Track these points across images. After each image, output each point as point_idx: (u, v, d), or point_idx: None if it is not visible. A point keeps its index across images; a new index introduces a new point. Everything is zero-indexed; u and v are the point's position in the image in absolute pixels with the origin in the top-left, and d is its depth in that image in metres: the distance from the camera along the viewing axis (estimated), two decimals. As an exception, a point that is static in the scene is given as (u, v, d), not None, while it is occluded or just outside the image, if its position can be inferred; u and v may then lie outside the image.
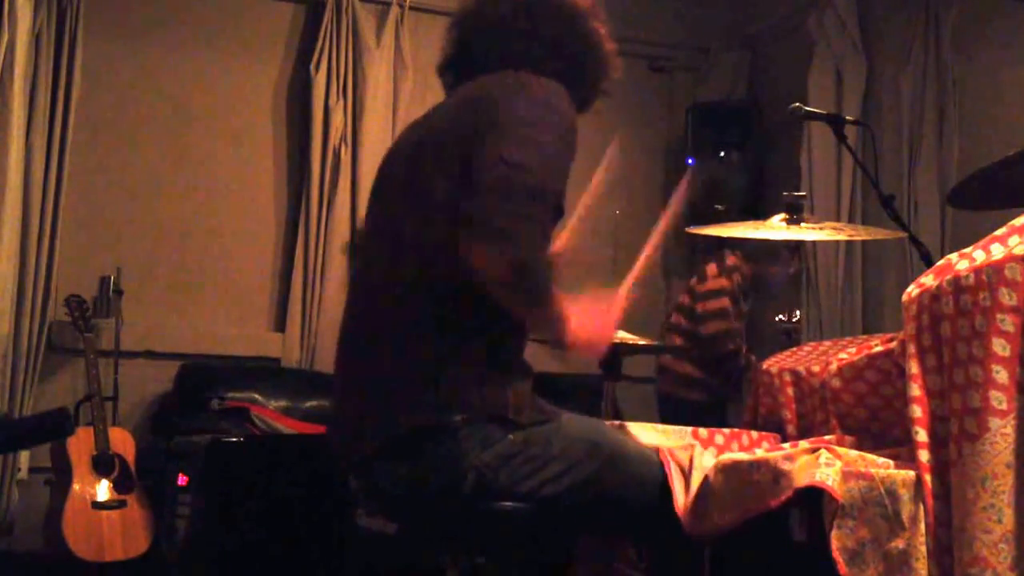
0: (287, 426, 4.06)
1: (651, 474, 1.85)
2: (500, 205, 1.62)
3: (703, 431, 2.05)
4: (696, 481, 1.81)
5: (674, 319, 4.23)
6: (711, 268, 4.15)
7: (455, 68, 2.02)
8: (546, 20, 1.94)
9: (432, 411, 1.72)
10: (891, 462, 1.62)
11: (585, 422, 1.91)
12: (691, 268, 5.44)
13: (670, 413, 4.08)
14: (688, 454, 1.88)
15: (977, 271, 1.53)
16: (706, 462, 1.84)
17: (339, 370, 1.94)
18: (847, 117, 2.89)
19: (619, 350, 2.59)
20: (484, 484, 1.73)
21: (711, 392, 4.11)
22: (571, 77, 1.90)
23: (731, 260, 4.14)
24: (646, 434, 1.98)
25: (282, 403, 4.42)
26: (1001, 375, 1.46)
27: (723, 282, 4.08)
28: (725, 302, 4.05)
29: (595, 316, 1.81)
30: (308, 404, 4.45)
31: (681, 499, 1.80)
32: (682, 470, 1.85)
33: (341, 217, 4.87)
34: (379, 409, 1.77)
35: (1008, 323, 1.47)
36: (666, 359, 4.21)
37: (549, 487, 1.77)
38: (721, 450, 2.02)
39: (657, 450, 1.90)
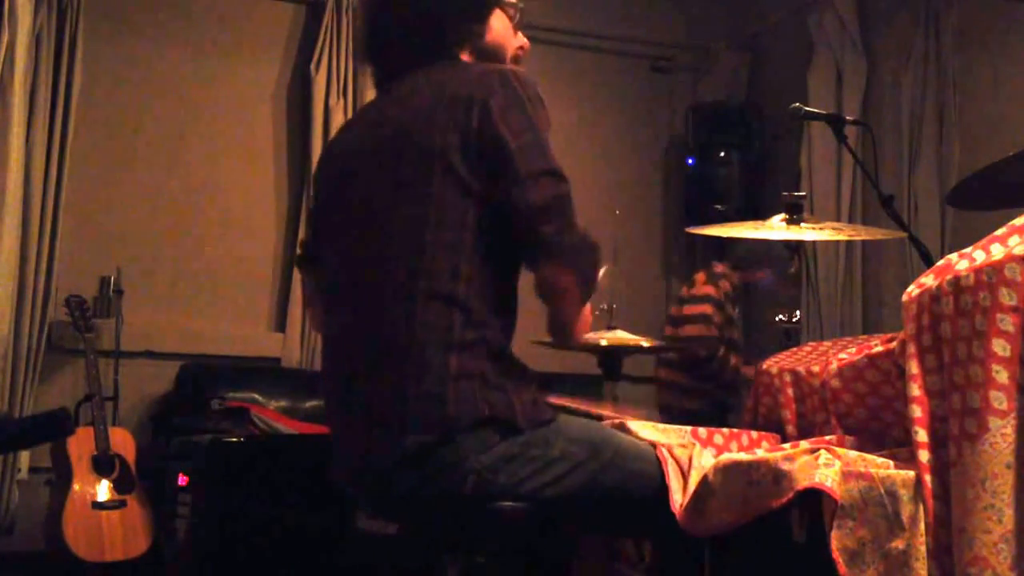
0: (287, 426, 4.06)
1: (652, 471, 1.85)
2: (559, 222, 1.72)
3: (702, 431, 2.05)
4: (694, 480, 1.81)
5: (667, 331, 4.26)
6: (699, 276, 4.24)
7: (385, 58, 1.96)
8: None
9: (441, 427, 1.71)
10: (891, 462, 1.62)
11: (584, 422, 1.91)
12: (692, 269, 5.45)
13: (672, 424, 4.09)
14: (688, 453, 1.88)
15: (977, 271, 1.52)
16: (705, 461, 1.83)
17: (335, 387, 1.88)
18: (847, 117, 2.89)
19: (618, 350, 2.59)
20: (485, 486, 1.73)
21: (710, 400, 4.13)
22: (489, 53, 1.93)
23: (718, 268, 4.21)
24: (646, 432, 1.98)
25: (282, 403, 4.42)
26: (1001, 375, 1.46)
27: (708, 289, 4.13)
28: (707, 308, 4.09)
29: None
30: (308, 404, 4.45)
31: (678, 497, 1.80)
32: (680, 468, 1.85)
33: (341, 217, 4.87)
34: (387, 430, 1.74)
35: (1008, 323, 1.47)
36: (663, 372, 4.23)
37: (550, 488, 1.77)
38: (720, 450, 2.01)
39: (655, 446, 1.90)
